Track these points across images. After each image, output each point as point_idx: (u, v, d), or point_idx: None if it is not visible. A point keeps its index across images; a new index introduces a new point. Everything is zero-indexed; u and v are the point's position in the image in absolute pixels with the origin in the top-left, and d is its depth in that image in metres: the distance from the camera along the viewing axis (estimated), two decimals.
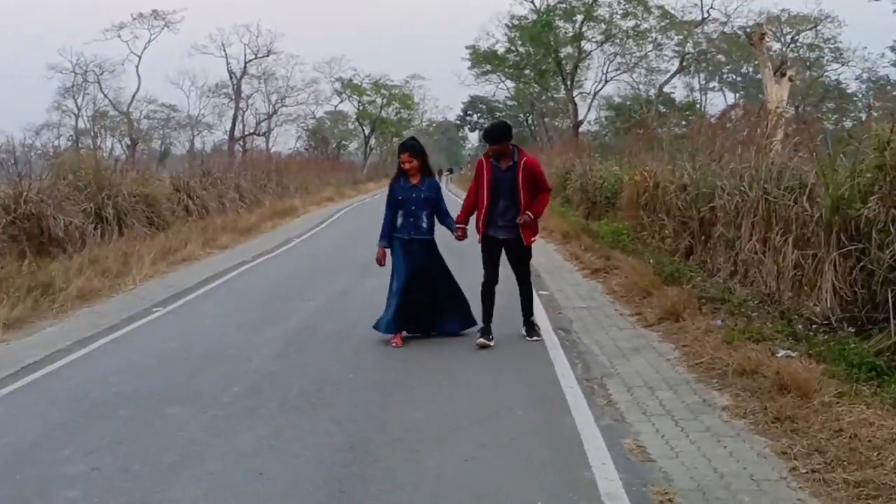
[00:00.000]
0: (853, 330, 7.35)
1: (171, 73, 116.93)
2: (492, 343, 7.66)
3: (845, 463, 4.54)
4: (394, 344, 7.78)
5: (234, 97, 56.72)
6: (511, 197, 7.63)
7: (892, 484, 4.22)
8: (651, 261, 11.33)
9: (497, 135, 7.67)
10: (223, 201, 24.27)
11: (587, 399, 6.10)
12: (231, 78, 55.68)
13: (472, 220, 7.97)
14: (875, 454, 4.56)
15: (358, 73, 72.44)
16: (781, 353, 6.75)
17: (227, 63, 54.98)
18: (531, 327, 8.06)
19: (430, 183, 7.88)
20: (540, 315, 8.98)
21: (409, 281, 7.75)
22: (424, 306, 7.89)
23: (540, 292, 10.16)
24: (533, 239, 7.81)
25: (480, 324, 7.89)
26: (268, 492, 4.49)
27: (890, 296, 6.93)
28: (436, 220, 7.94)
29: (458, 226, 7.84)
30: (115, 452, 5.12)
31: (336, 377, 6.78)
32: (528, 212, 7.59)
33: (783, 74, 21.01)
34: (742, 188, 10.50)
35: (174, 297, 10.90)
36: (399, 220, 7.81)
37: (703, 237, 11.83)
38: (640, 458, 4.90)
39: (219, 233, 18.02)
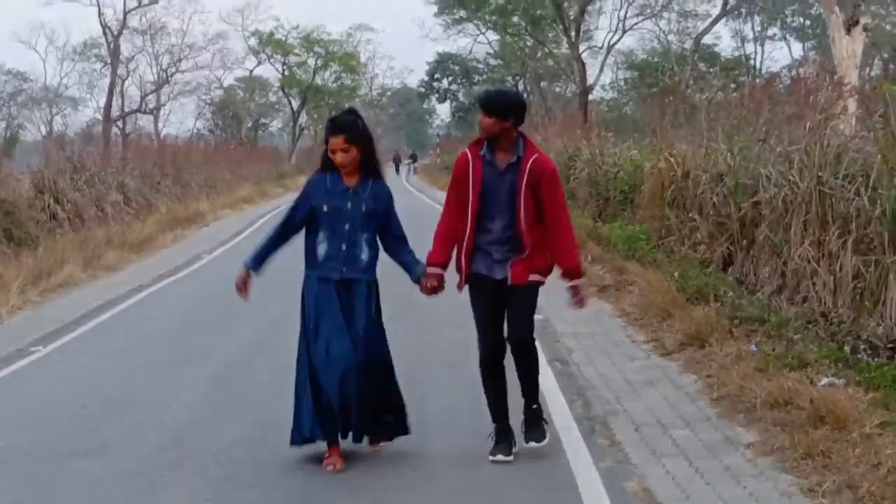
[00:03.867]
0: None
1: (19, 29, 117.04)
2: (514, 455, 6.76)
3: (878, 498, 5.55)
4: (329, 467, 6.66)
5: (109, 61, 57.42)
6: (510, 215, 6.67)
7: None
8: (676, 274, 12.33)
9: (504, 103, 6.73)
10: (103, 206, 25.12)
11: (586, 440, 7.10)
12: (105, 34, 56.41)
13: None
14: None
15: (282, 24, 73.48)
16: (824, 381, 7.79)
17: (100, 13, 55.54)
18: (535, 421, 6.91)
19: (376, 189, 6.80)
20: None
21: (341, 355, 6.60)
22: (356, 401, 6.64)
23: None
24: (535, 278, 6.76)
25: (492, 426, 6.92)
26: None
27: None
28: (381, 248, 6.91)
29: (430, 270, 6.75)
30: None
31: (279, 424, 7.65)
32: (570, 271, 6.72)
33: (855, 22, 21.85)
34: (791, 177, 11.51)
35: (56, 334, 11.79)
36: (322, 248, 6.76)
37: (744, 242, 12.86)
38: (645, 502, 5.89)
39: (103, 249, 18.88)
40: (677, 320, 10.30)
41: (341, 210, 6.66)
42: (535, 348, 6.96)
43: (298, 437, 6.75)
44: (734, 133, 14.50)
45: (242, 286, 6.98)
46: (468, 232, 6.68)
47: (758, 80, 25.49)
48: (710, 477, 6.27)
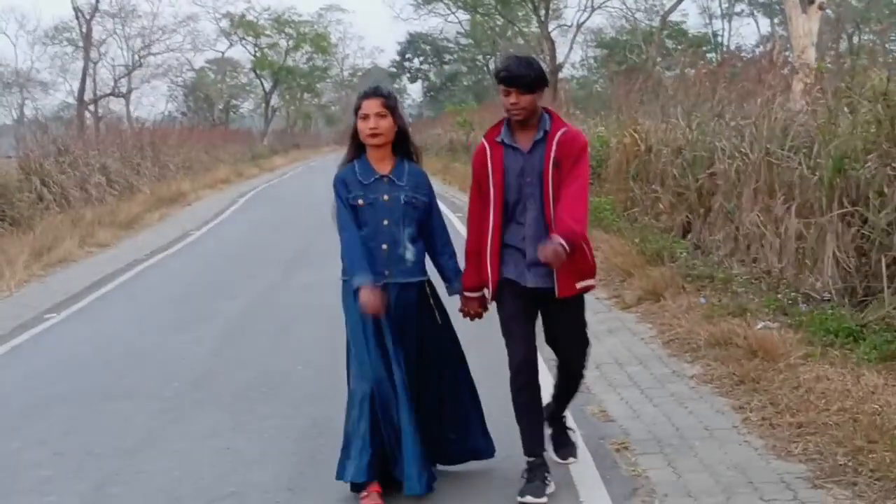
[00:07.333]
0: (850, 303, 9.58)
1: None
2: (547, 496, 5.69)
3: (794, 410, 6.77)
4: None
5: (81, 44, 58.08)
6: (541, 203, 5.66)
7: (830, 423, 6.45)
8: (637, 240, 13.52)
9: (537, 73, 5.64)
10: (87, 187, 26.13)
11: (551, 377, 8.22)
12: (77, 17, 57.01)
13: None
14: (823, 402, 6.80)
15: (252, 6, 74.32)
16: (760, 324, 8.98)
17: None
18: (563, 433, 6.38)
19: (414, 174, 5.84)
20: None
21: (387, 375, 5.71)
22: (412, 426, 5.70)
23: None
24: (585, 284, 5.78)
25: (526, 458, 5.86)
26: (238, 461, 6.57)
27: (884, 262, 9.17)
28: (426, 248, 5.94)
29: (469, 294, 5.88)
30: (69, 441, 7.13)
31: (283, 370, 8.86)
32: (557, 236, 5.30)
33: (811, 1, 22.91)
34: (742, 149, 12.68)
35: (65, 303, 12.90)
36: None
37: (701, 210, 14.03)
38: (602, 420, 7.12)
39: (94, 227, 20.01)
40: (636, 279, 11.50)
41: (377, 203, 5.70)
42: (583, 374, 6.23)
43: (345, 474, 5.80)
44: (693, 109, 15.65)
45: (374, 301, 5.54)
46: (493, 230, 5.68)
47: (723, 57, 26.60)
48: (657, 401, 7.48)
